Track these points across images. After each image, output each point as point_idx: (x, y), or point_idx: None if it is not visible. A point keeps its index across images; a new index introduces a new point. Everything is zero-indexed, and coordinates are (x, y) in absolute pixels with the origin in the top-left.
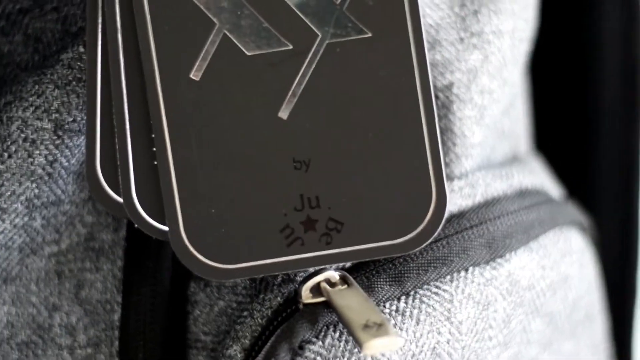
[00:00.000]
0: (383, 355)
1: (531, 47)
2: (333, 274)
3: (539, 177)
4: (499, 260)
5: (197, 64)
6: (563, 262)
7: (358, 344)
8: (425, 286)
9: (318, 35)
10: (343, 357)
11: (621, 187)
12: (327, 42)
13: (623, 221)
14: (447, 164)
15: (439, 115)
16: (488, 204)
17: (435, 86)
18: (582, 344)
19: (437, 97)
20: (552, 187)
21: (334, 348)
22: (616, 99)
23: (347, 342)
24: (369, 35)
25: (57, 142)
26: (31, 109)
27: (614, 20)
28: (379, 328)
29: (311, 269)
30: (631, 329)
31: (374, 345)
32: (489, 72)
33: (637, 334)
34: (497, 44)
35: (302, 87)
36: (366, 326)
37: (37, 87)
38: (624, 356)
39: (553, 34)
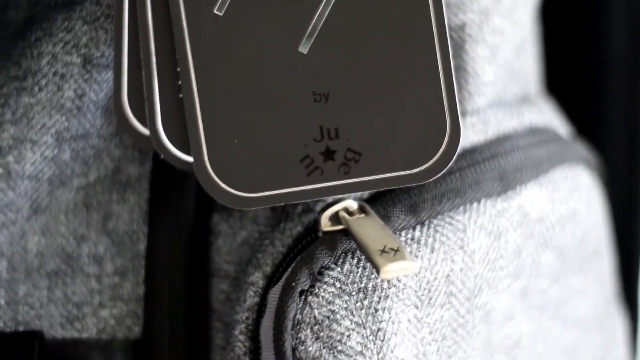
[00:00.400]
0: (399, 280)
1: None
2: (351, 203)
3: (548, 116)
4: (509, 192)
5: (220, 0)
6: (571, 198)
7: (375, 268)
8: (439, 216)
9: None
10: (361, 282)
11: (627, 130)
12: None
13: (629, 163)
14: (460, 102)
15: (452, 55)
16: (499, 140)
17: (448, 26)
18: (589, 278)
19: (450, 36)
20: (561, 126)
21: (351, 274)
22: (622, 44)
23: (364, 268)
24: None
25: (86, 76)
26: (60, 44)
27: None
28: (396, 253)
29: (330, 199)
30: (637, 267)
31: (391, 270)
32: (501, 13)
33: None
34: None
35: (322, 22)
36: (383, 252)
37: (66, 23)
38: (630, 293)
39: None
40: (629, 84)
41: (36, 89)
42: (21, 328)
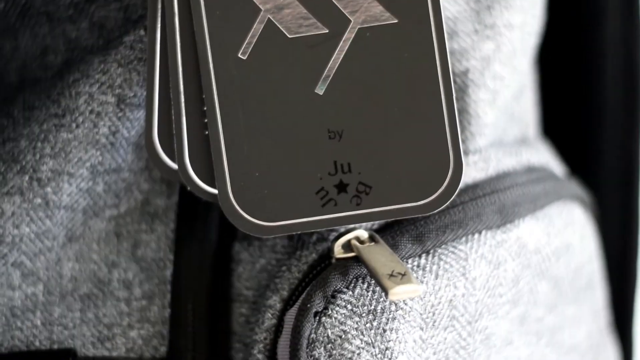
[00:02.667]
0: (406, 303)
1: (539, 41)
2: (362, 233)
3: (545, 156)
4: (508, 225)
5: (244, 45)
6: (566, 232)
7: (384, 290)
8: (443, 246)
9: (350, 21)
10: (370, 305)
11: (623, 172)
12: (358, 27)
13: (624, 202)
14: (463, 141)
15: (455, 98)
16: (499, 177)
17: (452, 71)
18: (584, 309)
19: (454, 81)
20: (556, 165)
21: (362, 297)
22: (618, 88)
23: (374, 292)
24: (396, 21)
25: (120, 114)
26: (97, 85)
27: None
28: (403, 277)
29: (342, 228)
30: (632, 300)
31: (398, 292)
32: (501, 60)
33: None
34: (508, 36)
35: (337, 66)
36: (391, 276)
37: (102, 65)
38: (623, 325)
39: (560, 30)
40: (624, 128)
41: (74, 125)
42: (55, 346)
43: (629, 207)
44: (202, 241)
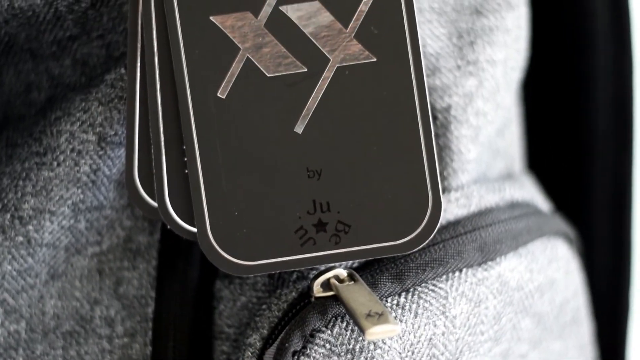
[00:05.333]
0: (384, 342)
1: (524, 74)
2: (341, 272)
3: (529, 191)
4: (490, 262)
5: (223, 83)
6: (550, 268)
7: (361, 330)
8: (423, 284)
9: (329, 60)
10: (349, 344)
11: (613, 206)
12: (337, 65)
13: (615, 237)
14: (445, 178)
15: (438, 134)
16: (481, 213)
17: (435, 108)
18: (570, 344)
19: (436, 117)
20: (541, 201)
21: (340, 336)
22: (609, 122)
23: (352, 331)
24: (374, 60)
25: (100, 152)
26: (78, 123)
27: (606, 52)
28: (380, 317)
29: (322, 267)
30: (624, 338)
31: (375, 332)
32: (484, 96)
33: (631, 350)
34: (491, 72)
35: (315, 105)
36: (369, 315)
37: (83, 104)
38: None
39: (549, 61)
40: (615, 159)
41: (55, 164)
42: None
43: (620, 239)
44: (183, 279)
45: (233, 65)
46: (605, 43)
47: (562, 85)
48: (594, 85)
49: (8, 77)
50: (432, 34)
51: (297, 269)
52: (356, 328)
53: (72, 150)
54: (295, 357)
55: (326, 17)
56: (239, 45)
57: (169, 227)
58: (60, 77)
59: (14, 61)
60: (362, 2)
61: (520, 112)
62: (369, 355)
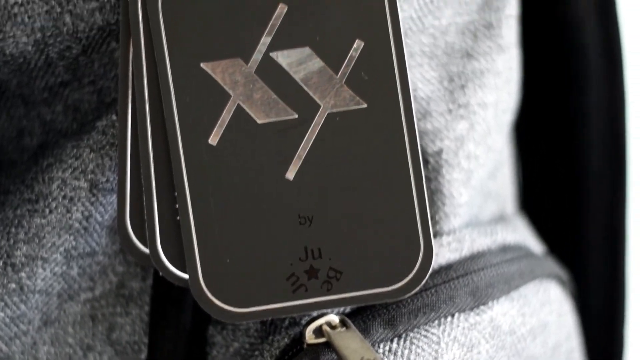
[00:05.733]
0: None
1: (516, 115)
2: (333, 318)
3: (521, 234)
4: (482, 307)
5: (214, 130)
6: (542, 311)
7: None
8: (415, 329)
9: (320, 106)
10: None
11: (607, 246)
12: (328, 112)
13: (608, 278)
14: (437, 222)
15: (429, 178)
16: (473, 257)
17: (426, 152)
18: None
19: (428, 161)
20: (533, 243)
21: None
22: (602, 161)
23: None
24: (365, 106)
25: (92, 199)
26: (70, 170)
27: (599, 91)
28: None
29: (314, 313)
30: None
31: None
32: (475, 140)
33: None
34: (482, 115)
35: (307, 151)
36: None
37: (75, 150)
38: None
39: (541, 101)
40: (609, 199)
41: (47, 211)
42: None
43: (614, 280)
44: (176, 324)
45: (224, 112)
46: (597, 80)
47: (554, 124)
48: (587, 123)
49: (0, 123)
50: (422, 78)
51: (289, 316)
52: None
53: (64, 197)
54: None
55: (317, 63)
56: (230, 92)
57: (161, 274)
58: (52, 123)
59: (6, 107)
60: (353, 47)
61: (512, 153)
62: None
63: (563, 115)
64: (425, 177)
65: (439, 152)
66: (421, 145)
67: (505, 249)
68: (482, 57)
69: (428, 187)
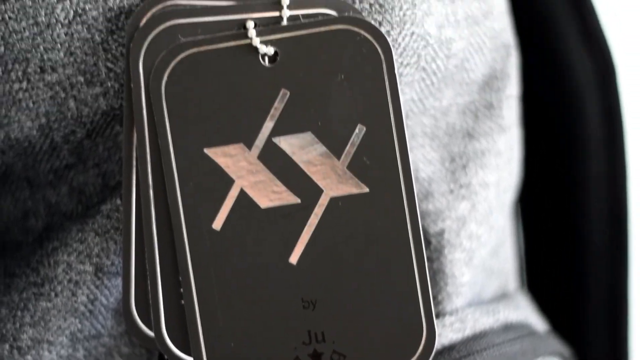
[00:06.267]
0: None
1: (517, 194)
2: None
3: (524, 311)
4: None
5: (218, 216)
6: None
7: None
8: None
9: (323, 191)
10: None
11: (609, 322)
12: (330, 197)
13: (611, 354)
14: (439, 302)
15: (431, 258)
16: (476, 337)
17: (428, 232)
18: None
19: (430, 242)
20: (536, 320)
21: None
22: (603, 237)
23: None
24: (367, 190)
25: (97, 282)
26: (75, 254)
27: (599, 162)
28: None
29: None
30: None
31: None
32: (477, 220)
33: None
34: (484, 195)
35: (310, 236)
36: None
37: (80, 234)
38: None
39: (541, 175)
40: (610, 272)
41: (52, 294)
42: None
43: (617, 356)
44: None
45: (227, 197)
46: (597, 149)
47: (554, 195)
48: (587, 193)
49: (5, 205)
50: (424, 159)
51: None
52: None
53: (70, 280)
54: None
55: (319, 148)
56: (233, 177)
57: (166, 356)
58: (56, 205)
59: (11, 189)
60: (355, 132)
61: (513, 229)
62: None
63: (563, 186)
64: (428, 257)
65: (441, 233)
66: (423, 226)
67: (507, 327)
68: (483, 137)
69: (430, 268)
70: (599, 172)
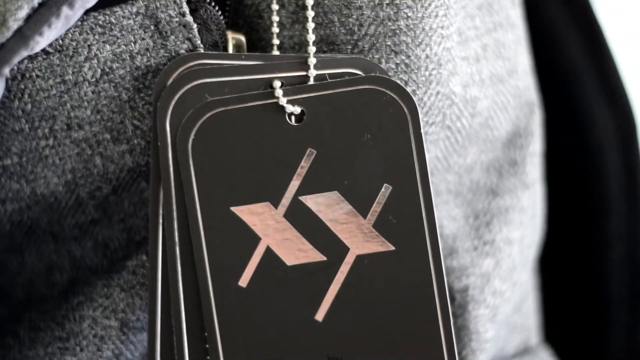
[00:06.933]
0: None
1: (540, 249)
2: None
3: None
4: None
5: (244, 273)
6: None
7: None
8: None
9: (349, 249)
10: None
11: None
12: (356, 255)
13: None
14: (464, 358)
15: (456, 314)
16: None
17: (452, 288)
18: None
19: (454, 298)
20: None
21: None
22: (623, 291)
23: None
24: (393, 249)
25: (123, 337)
26: (100, 309)
27: (620, 217)
28: None
29: None
30: None
31: None
32: (501, 276)
33: None
34: (508, 251)
35: (335, 293)
36: None
37: (105, 289)
38: None
39: (562, 230)
40: (629, 328)
41: (78, 349)
42: None
43: None
44: None
45: (254, 254)
46: (618, 205)
47: (575, 251)
48: (608, 249)
49: (30, 258)
50: (448, 215)
51: None
52: None
53: (95, 335)
54: None
55: (345, 206)
56: (260, 235)
57: None
58: (81, 260)
59: (36, 243)
60: (381, 192)
61: (536, 284)
62: None
63: (584, 240)
64: (452, 313)
65: (465, 289)
66: (447, 283)
67: None
68: (507, 194)
69: (455, 324)
70: (619, 227)
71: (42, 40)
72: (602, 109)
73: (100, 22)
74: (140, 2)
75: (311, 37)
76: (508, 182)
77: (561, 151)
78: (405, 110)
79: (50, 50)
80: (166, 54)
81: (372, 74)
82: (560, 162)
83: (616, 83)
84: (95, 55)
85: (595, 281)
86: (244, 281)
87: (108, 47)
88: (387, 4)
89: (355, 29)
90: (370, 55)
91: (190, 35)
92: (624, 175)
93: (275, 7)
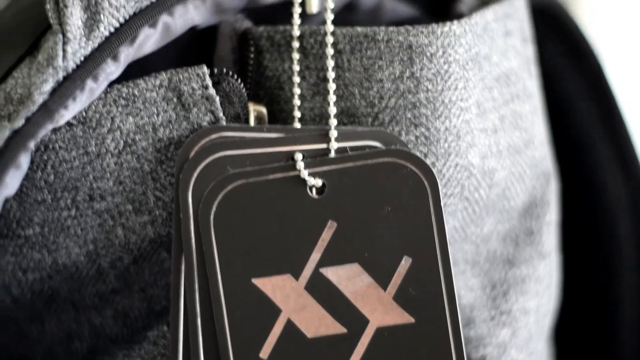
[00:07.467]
0: None
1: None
2: None
3: None
4: None
5: (265, 344)
6: None
7: None
8: None
9: (369, 321)
10: None
11: None
12: (376, 327)
13: None
14: None
15: None
16: None
17: (470, 359)
18: None
19: None
20: None
21: None
22: (635, 354)
23: None
24: (413, 321)
25: None
26: None
27: (631, 282)
28: None
29: None
30: None
31: None
32: (517, 345)
33: None
34: (524, 321)
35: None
36: None
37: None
38: None
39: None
40: None
41: None
42: None
43: None
44: None
45: (275, 326)
46: (630, 270)
47: (589, 318)
48: (621, 316)
49: (50, 326)
50: (465, 285)
51: None
52: None
53: None
54: None
55: (365, 279)
56: (280, 307)
57: None
58: (101, 328)
59: (56, 312)
60: (401, 264)
61: (551, 353)
62: None
63: (596, 307)
64: None
65: (483, 359)
66: (465, 353)
67: None
68: (524, 264)
69: None
70: (631, 292)
71: (67, 114)
72: (614, 177)
73: (124, 95)
74: (164, 74)
75: (332, 110)
76: (524, 252)
77: (574, 219)
78: (425, 183)
79: (74, 122)
80: (189, 126)
81: (393, 147)
82: (573, 230)
83: (629, 151)
84: (119, 127)
85: (608, 347)
86: (265, 353)
87: (131, 119)
88: (408, 77)
89: (376, 101)
90: (391, 128)
91: (213, 108)
92: (635, 240)
93: (296, 79)
